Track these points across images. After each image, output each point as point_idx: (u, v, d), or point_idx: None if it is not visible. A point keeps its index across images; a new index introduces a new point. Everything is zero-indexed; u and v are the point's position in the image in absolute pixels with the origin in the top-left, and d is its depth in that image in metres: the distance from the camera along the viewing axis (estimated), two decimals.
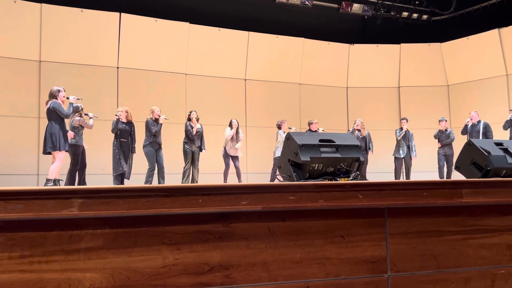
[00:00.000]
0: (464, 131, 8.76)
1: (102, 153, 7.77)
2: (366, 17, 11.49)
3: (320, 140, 3.10)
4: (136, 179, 7.57)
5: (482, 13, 10.82)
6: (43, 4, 8.61)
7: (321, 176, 3.04)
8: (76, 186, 1.68)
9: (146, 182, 7.41)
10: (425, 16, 11.63)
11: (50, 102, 6.27)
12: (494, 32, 10.33)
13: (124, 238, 1.50)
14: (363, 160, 3.26)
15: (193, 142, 7.92)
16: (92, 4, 8.96)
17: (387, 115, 11.10)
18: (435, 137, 9.04)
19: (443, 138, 8.95)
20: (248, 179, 9.66)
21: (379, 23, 11.43)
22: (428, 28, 11.71)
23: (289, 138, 3.14)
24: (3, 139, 8.10)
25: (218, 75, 10.05)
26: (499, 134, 8.61)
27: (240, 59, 10.33)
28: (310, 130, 9.00)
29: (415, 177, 9.43)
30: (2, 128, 8.12)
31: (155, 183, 7.62)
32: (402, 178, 9.65)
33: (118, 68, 9.24)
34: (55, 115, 6.22)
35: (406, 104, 11.27)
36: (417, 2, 11.46)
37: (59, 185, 6.41)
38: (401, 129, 9.14)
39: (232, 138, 8.41)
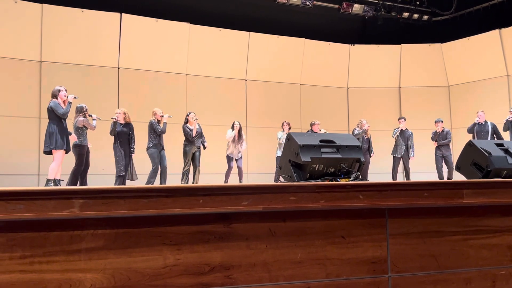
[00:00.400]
0: (470, 130, 8.73)
1: (103, 153, 7.77)
2: (366, 17, 11.49)
3: (321, 141, 3.10)
4: (138, 179, 7.57)
5: (482, 14, 10.82)
6: (44, 5, 8.62)
7: (322, 177, 3.04)
8: (77, 187, 1.68)
9: (148, 183, 7.41)
10: (425, 17, 11.63)
11: (50, 102, 6.28)
12: (494, 33, 10.33)
13: (125, 238, 1.50)
14: (364, 161, 3.26)
15: (193, 143, 7.91)
16: (93, 4, 8.96)
17: (387, 116, 11.09)
18: (432, 138, 9.04)
19: (441, 139, 8.94)
20: (249, 180, 9.65)
21: (379, 24, 11.42)
22: (429, 29, 11.70)
23: (289, 138, 3.14)
24: (4, 139, 8.10)
25: (219, 75, 10.05)
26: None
27: (240, 60, 10.33)
28: (312, 130, 9.01)
29: (415, 177, 9.42)
30: (2, 128, 8.12)
31: (156, 184, 7.62)
32: (402, 179, 9.65)
33: (118, 68, 9.25)
34: (53, 115, 6.22)
35: (407, 105, 11.27)
36: (417, 3, 11.45)
37: (60, 185, 6.41)
38: (398, 128, 9.14)
39: (233, 140, 8.41)
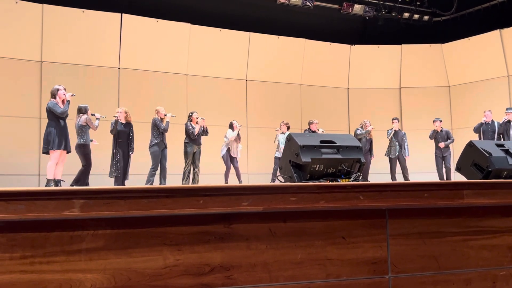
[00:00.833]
0: (477, 130, 8.70)
1: (103, 153, 7.77)
2: (367, 17, 11.49)
3: (321, 141, 3.10)
4: (138, 179, 7.57)
5: (483, 14, 10.81)
6: (45, 5, 8.62)
7: (322, 177, 3.03)
8: (77, 187, 1.69)
9: (147, 182, 7.42)
10: (426, 17, 11.62)
11: (48, 102, 6.26)
12: (495, 33, 10.33)
13: (125, 238, 1.50)
14: (364, 161, 3.26)
15: (195, 142, 7.92)
16: (94, 4, 8.97)
17: (388, 116, 11.06)
18: (431, 137, 9.03)
19: (439, 138, 8.93)
20: (249, 180, 9.66)
21: (380, 24, 11.42)
22: (429, 29, 11.70)
23: (290, 139, 3.14)
24: (4, 139, 8.11)
25: (219, 75, 10.06)
26: None
27: (241, 60, 10.33)
28: (309, 129, 9.01)
29: (415, 178, 9.42)
30: (3, 128, 8.13)
31: (156, 183, 7.63)
32: (402, 179, 9.65)
33: (119, 68, 9.25)
34: (51, 115, 6.21)
35: (407, 105, 11.27)
36: (418, 3, 11.45)
37: (61, 185, 6.41)
38: (392, 129, 9.15)
39: (234, 139, 8.43)
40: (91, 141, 7.13)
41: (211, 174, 8.76)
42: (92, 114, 6.99)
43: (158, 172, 7.54)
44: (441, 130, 8.97)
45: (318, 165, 3.00)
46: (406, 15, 11.40)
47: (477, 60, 10.70)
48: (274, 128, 9.06)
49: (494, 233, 1.90)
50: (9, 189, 1.38)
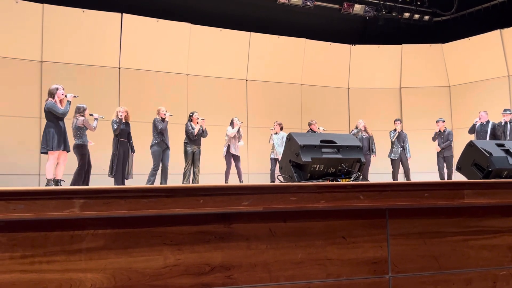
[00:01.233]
0: (471, 131, 8.70)
1: (103, 153, 7.77)
2: (367, 17, 11.49)
3: (322, 141, 3.10)
4: (139, 179, 7.57)
5: (483, 14, 10.81)
6: (45, 5, 8.62)
7: (322, 177, 3.03)
8: (77, 187, 1.68)
9: (148, 182, 7.42)
10: (426, 17, 11.62)
11: (46, 102, 6.23)
12: (495, 33, 10.32)
13: (126, 238, 1.50)
14: (365, 161, 3.26)
15: (194, 142, 7.92)
16: (94, 4, 8.97)
17: (388, 116, 11.07)
18: (433, 139, 9.01)
19: (441, 140, 8.91)
20: (249, 180, 9.66)
21: (380, 24, 11.42)
22: (430, 29, 11.70)
23: (290, 138, 3.14)
24: (4, 139, 8.11)
25: (220, 75, 10.06)
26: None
27: (241, 60, 10.33)
28: (311, 130, 9.02)
29: (415, 178, 9.42)
30: (3, 128, 8.13)
31: (157, 183, 7.63)
32: (403, 179, 9.64)
33: (119, 68, 9.25)
34: (50, 115, 6.18)
35: (408, 105, 11.26)
36: (418, 3, 11.45)
37: (61, 185, 6.41)
38: (395, 130, 9.13)
39: (234, 136, 8.43)
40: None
41: (211, 174, 8.76)
42: (90, 114, 6.96)
43: (159, 172, 7.54)
44: (444, 131, 8.93)
45: (318, 165, 3.00)
46: (407, 15, 11.40)
47: (478, 60, 10.69)
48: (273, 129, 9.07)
49: (494, 233, 1.90)
50: (9, 189, 1.38)
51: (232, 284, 1.58)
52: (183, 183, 7.75)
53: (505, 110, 8.57)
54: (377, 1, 11.23)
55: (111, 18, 9.11)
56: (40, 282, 1.41)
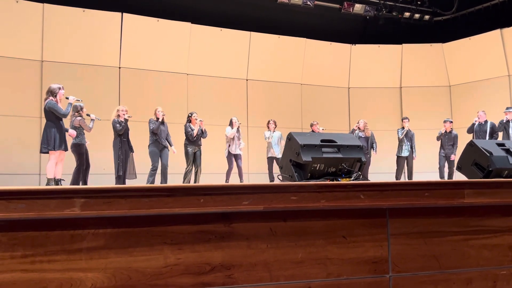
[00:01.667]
0: (470, 130, 8.70)
1: (103, 153, 7.78)
2: (368, 17, 11.48)
3: (322, 140, 3.10)
4: (138, 179, 7.57)
5: (484, 14, 10.81)
6: (45, 4, 8.63)
7: (323, 176, 3.03)
8: (78, 186, 1.69)
9: (147, 182, 7.42)
10: (427, 17, 11.61)
11: (46, 102, 6.23)
12: (496, 33, 10.32)
13: (126, 238, 1.50)
14: (365, 161, 3.26)
15: (194, 143, 7.92)
16: (94, 4, 8.97)
17: (388, 116, 11.09)
18: (438, 138, 8.98)
19: (445, 140, 8.89)
20: (250, 179, 9.66)
21: (381, 23, 11.41)
22: (430, 29, 11.69)
23: (290, 138, 3.14)
24: (5, 138, 8.11)
25: (220, 75, 10.05)
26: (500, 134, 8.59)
27: (241, 59, 10.33)
28: (313, 131, 9.05)
29: (416, 177, 9.42)
30: (3, 127, 8.13)
31: (157, 183, 7.63)
32: (404, 178, 9.65)
33: (119, 68, 9.26)
34: (51, 115, 6.18)
35: (408, 105, 11.26)
36: (419, 3, 11.44)
37: (61, 184, 6.41)
38: (403, 128, 9.13)
39: (234, 136, 8.43)
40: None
41: (211, 173, 8.76)
42: (87, 115, 6.95)
43: (159, 172, 7.54)
44: (450, 132, 8.91)
45: (318, 164, 3.00)
46: (407, 14, 11.39)
47: (478, 60, 10.69)
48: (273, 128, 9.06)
49: (494, 232, 1.90)
50: (10, 188, 1.38)
51: (233, 284, 1.58)
52: (183, 183, 7.76)
53: (507, 108, 8.57)
54: (378, 1, 11.23)
55: (112, 17, 9.11)
56: (40, 281, 1.41)
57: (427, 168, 9.59)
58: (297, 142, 3.02)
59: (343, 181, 2.97)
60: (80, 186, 6.00)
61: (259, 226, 1.63)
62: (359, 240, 1.74)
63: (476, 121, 8.61)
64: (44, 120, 6.51)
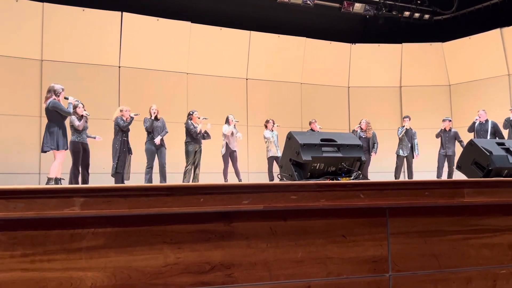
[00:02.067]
0: (471, 129, 8.70)
1: (103, 152, 7.77)
2: (367, 16, 11.48)
3: (322, 140, 3.10)
4: (137, 178, 7.57)
5: (484, 13, 10.80)
6: (45, 3, 8.62)
7: (323, 176, 3.04)
8: (78, 185, 1.68)
9: (145, 180, 7.43)
10: (427, 16, 11.61)
11: (48, 101, 6.22)
12: (496, 32, 10.32)
13: (126, 237, 1.50)
14: (365, 160, 3.26)
15: (196, 141, 7.91)
16: (94, 3, 8.96)
17: (388, 115, 11.09)
18: (437, 136, 8.98)
19: (445, 139, 8.88)
20: (250, 179, 9.66)
21: (380, 23, 11.41)
22: (430, 28, 11.69)
23: (290, 137, 3.14)
24: (5, 138, 8.11)
25: (220, 74, 10.05)
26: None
27: (241, 59, 10.33)
28: (311, 129, 9.04)
29: (416, 176, 9.42)
30: (3, 127, 8.13)
31: (156, 182, 7.63)
32: (404, 177, 9.65)
33: (119, 67, 9.25)
34: (54, 114, 6.19)
35: (408, 104, 11.26)
36: (418, 2, 11.44)
37: (61, 184, 6.41)
38: (403, 127, 9.12)
39: (231, 133, 8.44)
40: (94, 137, 7.12)
41: (211, 172, 8.76)
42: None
43: (157, 170, 7.54)
44: (449, 130, 8.90)
45: (318, 164, 3.00)
46: (407, 13, 11.39)
47: (478, 59, 10.69)
48: (274, 126, 9.06)
49: (494, 231, 1.90)
50: (9, 187, 1.38)
51: (232, 283, 1.58)
52: (183, 182, 7.76)
53: None
54: (377, 0, 11.22)
55: (111, 17, 9.11)
56: (40, 280, 1.41)
57: (427, 167, 9.59)
58: (297, 141, 3.02)
59: (343, 180, 2.97)
60: (80, 185, 6.00)
61: (259, 226, 1.63)
62: (359, 239, 1.74)
63: (476, 120, 8.61)
64: (44, 119, 6.51)
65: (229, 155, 8.46)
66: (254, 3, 10.53)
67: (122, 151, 7.15)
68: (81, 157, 6.85)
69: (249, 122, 10.08)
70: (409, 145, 9.02)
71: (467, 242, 1.86)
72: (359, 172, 3.13)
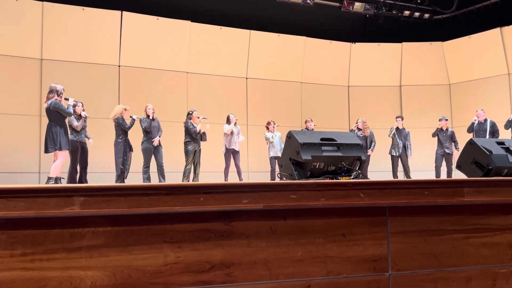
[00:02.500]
0: (470, 129, 8.70)
1: (103, 151, 7.78)
2: (367, 15, 11.48)
3: (322, 139, 3.10)
4: (136, 178, 7.57)
5: (484, 12, 10.80)
6: (45, 2, 8.62)
7: (323, 175, 3.04)
8: (78, 185, 1.68)
9: (143, 180, 7.44)
10: (426, 15, 11.61)
11: (50, 101, 6.22)
12: (496, 31, 10.32)
13: (126, 236, 1.50)
14: (365, 159, 3.26)
15: (196, 141, 7.91)
16: (94, 2, 8.96)
17: (388, 114, 11.07)
18: (433, 135, 8.98)
19: (443, 138, 8.88)
20: (250, 178, 9.66)
21: (380, 22, 11.41)
22: (430, 27, 11.69)
23: (290, 137, 3.14)
24: (4, 137, 8.11)
25: (220, 73, 10.05)
26: (501, 133, 8.59)
27: (241, 58, 10.32)
28: (306, 128, 9.05)
29: (416, 176, 9.42)
30: (3, 126, 8.13)
31: (155, 181, 7.63)
32: (403, 178, 9.65)
33: (119, 66, 9.25)
34: (55, 114, 6.19)
35: (408, 103, 11.26)
36: (418, 1, 11.44)
37: (61, 183, 6.41)
38: (393, 127, 9.11)
39: (232, 132, 8.43)
40: (88, 138, 7.11)
41: (211, 172, 8.76)
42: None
43: (155, 170, 7.54)
44: (446, 129, 8.90)
45: (318, 163, 3.00)
46: (407, 13, 11.39)
47: (478, 58, 10.69)
48: (275, 127, 9.06)
49: (494, 231, 1.90)
50: (9, 187, 1.38)
51: (232, 282, 1.58)
52: (183, 181, 7.76)
53: None
54: None
55: (111, 16, 9.10)
56: (40, 279, 1.41)
57: (426, 167, 9.59)
58: (297, 140, 3.02)
59: (343, 180, 2.97)
60: (80, 184, 5.99)
61: (259, 225, 1.63)
62: (358, 239, 1.74)
63: (475, 120, 8.61)
64: (44, 119, 6.51)
65: (231, 154, 8.46)
66: (254, 2, 10.53)
67: (125, 151, 7.16)
68: (79, 156, 6.85)
69: (249, 121, 10.08)
70: (401, 145, 8.99)
71: (467, 241, 1.86)
72: (359, 171, 3.13)
